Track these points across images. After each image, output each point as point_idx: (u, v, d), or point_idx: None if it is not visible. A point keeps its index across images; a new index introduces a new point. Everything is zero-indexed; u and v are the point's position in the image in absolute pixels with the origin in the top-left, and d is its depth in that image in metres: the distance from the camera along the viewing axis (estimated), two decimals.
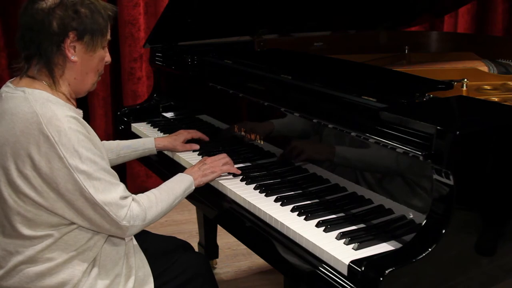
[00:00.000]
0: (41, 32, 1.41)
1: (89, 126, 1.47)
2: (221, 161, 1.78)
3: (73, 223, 1.44)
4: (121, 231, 1.45)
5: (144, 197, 1.53)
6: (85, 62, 1.47)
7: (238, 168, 1.82)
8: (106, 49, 1.55)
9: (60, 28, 1.41)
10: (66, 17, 1.41)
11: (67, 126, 1.36)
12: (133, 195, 1.50)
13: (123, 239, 1.58)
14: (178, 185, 1.65)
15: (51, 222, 1.42)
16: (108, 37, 1.53)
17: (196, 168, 1.75)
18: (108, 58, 1.56)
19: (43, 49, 1.42)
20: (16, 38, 1.47)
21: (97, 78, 1.56)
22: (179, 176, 1.70)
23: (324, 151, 1.66)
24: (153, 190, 1.59)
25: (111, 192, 1.40)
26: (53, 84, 1.45)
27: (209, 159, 1.78)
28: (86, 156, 1.37)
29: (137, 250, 1.63)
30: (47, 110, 1.37)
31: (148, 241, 1.79)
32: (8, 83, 1.48)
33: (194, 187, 1.70)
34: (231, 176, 1.79)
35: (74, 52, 1.44)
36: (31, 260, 1.43)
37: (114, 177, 1.45)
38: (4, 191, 1.40)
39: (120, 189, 1.44)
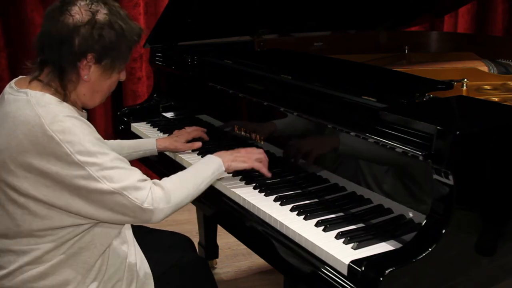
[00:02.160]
0: (61, 46, 1.38)
1: (92, 125, 1.46)
2: (256, 155, 1.71)
3: (81, 225, 1.42)
4: (146, 215, 1.40)
5: (167, 180, 1.49)
6: (97, 83, 1.46)
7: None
8: (123, 71, 1.53)
9: (80, 47, 1.38)
10: (89, 38, 1.38)
11: (70, 123, 1.35)
12: (155, 180, 1.47)
13: (125, 241, 1.57)
14: (206, 167, 1.59)
15: (63, 224, 1.40)
16: (128, 61, 1.49)
17: (228, 152, 1.69)
18: (123, 76, 1.54)
19: (58, 62, 1.40)
20: (36, 36, 1.44)
21: (107, 95, 1.55)
22: (207, 158, 1.65)
23: (323, 151, 1.66)
24: (178, 172, 1.55)
25: (127, 177, 1.38)
26: (64, 98, 1.42)
27: (244, 149, 1.72)
28: (94, 149, 1.35)
29: (138, 252, 1.62)
30: (49, 111, 1.35)
31: (149, 238, 1.78)
32: (12, 84, 1.46)
33: (224, 169, 1.64)
34: (230, 175, 1.78)
35: (89, 72, 1.42)
36: (36, 261, 1.42)
37: (127, 164, 1.43)
38: (11, 195, 1.38)
39: (137, 173, 1.42)
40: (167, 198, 1.43)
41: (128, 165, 1.43)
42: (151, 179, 1.47)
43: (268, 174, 1.71)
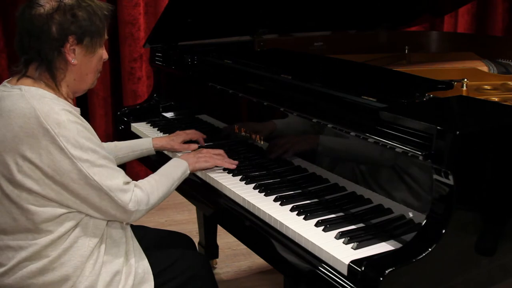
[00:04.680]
0: (40, 38, 1.43)
1: (85, 120, 1.49)
2: (215, 152, 1.85)
3: (76, 218, 1.45)
4: (127, 215, 1.49)
5: (145, 182, 1.57)
6: (84, 64, 1.51)
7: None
8: (103, 47, 1.57)
9: (59, 33, 1.44)
10: (64, 21, 1.44)
11: (65, 118, 1.39)
12: (134, 181, 1.54)
13: (124, 236, 1.58)
14: (175, 170, 1.70)
15: (56, 214, 1.42)
16: (106, 36, 1.55)
17: (191, 154, 1.82)
18: (105, 55, 1.58)
19: (43, 54, 1.44)
20: (14, 42, 1.50)
21: (97, 76, 1.58)
22: (174, 161, 1.75)
23: (324, 151, 1.66)
24: (152, 175, 1.64)
25: (114, 178, 1.44)
26: (55, 87, 1.47)
27: (205, 150, 1.87)
28: (87, 145, 1.40)
29: (136, 247, 1.63)
30: (44, 105, 1.39)
31: (148, 237, 1.79)
32: (4, 83, 1.50)
33: (189, 172, 1.75)
34: (230, 175, 1.79)
35: (74, 55, 1.47)
36: (35, 257, 1.44)
37: (114, 164, 1.49)
38: (6, 188, 1.42)
39: (122, 175, 1.48)
40: (147, 200, 1.52)
41: (114, 165, 1.49)
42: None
43: (232, 166, 1.81)
